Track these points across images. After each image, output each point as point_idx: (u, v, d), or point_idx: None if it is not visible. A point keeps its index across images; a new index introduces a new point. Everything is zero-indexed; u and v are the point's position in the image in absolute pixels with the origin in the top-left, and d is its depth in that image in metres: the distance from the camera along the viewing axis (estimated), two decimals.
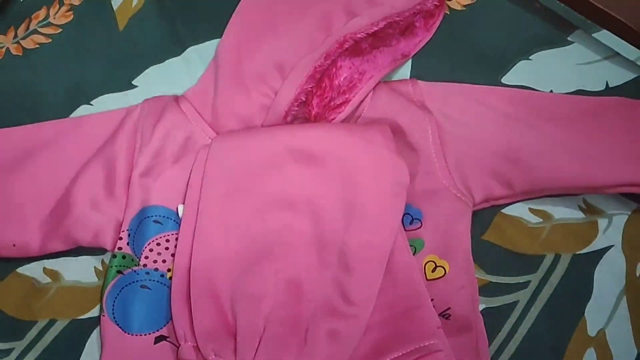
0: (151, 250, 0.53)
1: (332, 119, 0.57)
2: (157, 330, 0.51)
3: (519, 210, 0.56)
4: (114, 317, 0.51)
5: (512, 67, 0.61)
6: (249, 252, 0.50)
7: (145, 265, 0.52)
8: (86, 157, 0.56)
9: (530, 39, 0.62)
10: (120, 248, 0.53)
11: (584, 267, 0.53)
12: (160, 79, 0.62)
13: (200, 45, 0.63)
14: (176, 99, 0.58)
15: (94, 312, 0.53)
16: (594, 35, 0.61)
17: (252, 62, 0.55)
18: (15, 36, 0.65)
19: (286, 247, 0.50)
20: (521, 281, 0.53)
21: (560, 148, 0.54)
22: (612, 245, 0.54)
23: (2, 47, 0.65)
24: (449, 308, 0.50)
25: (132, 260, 0.53)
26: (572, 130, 0.55)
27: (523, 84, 0.60)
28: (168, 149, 0.55)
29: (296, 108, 0.55)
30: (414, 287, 0.49)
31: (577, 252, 0.54)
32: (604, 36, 0.61)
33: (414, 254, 0.52)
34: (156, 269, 0.52)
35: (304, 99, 0.55)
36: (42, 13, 0.66)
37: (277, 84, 0.55)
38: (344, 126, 0.56)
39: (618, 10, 0.59)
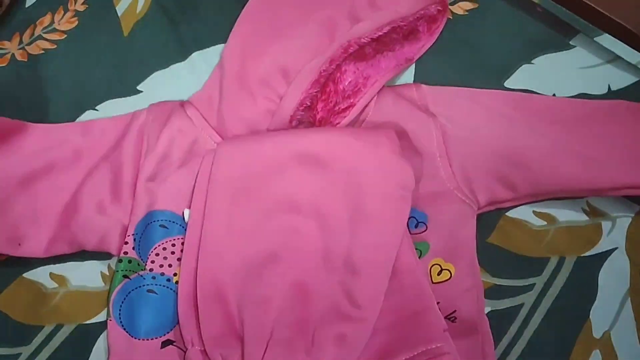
0: (157, 254, 0.53)
1: (337, 123, 0.57)
2: (164, 335, 0.51)
3: (523, 213, 0.56)
4: (121, 322, 0.51)
5: (515, 71, 0.61)
6: (255, 256, 0.50)
7: (151, 270, 0.53)
8: (93, 162, 0.56)
9: (532, 43, 0.63)
10: (126, 252, 0.53)
11: (588, 269, 0.53)
12: (165, 84, 0.63)
13: (204, 50, 0.64)
14: (182, 104, 0.58)
15: (100, 317, 0.53)
16: (595, 39, 0.61)
17: (257, 67, 0.56)
18: (21, 42, 0.66)
19: (292, 251, 0.50)
20: (526, 284, 0.53)
21: (564, 151, 0.54)
22: (616, 248, 0.54)
23: (7, 53, 0.65)
24: (455, 311, 0.51)
25: (138, 264, 0.53)
26: (575, 134, 0.55)
27: (526, 88, 0.60)
28: (174, 154, 0.55)
29: (301, 112, 0.55)
30: (420, 290, 0.50)
31: (582, 255, 0.54)
32: (606, 40, 0.61)
33: (419, 258, 0.52)
34: (162, 274, 0.53)
35: (309, 103, 0.55)
36: (47, 19, 0.67)
37: (282, 88, 0.55)
38: (349, 130, 0.57)
39: (619, 14, 0.59)
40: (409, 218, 0.52)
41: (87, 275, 0.55)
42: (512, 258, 0.54)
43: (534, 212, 0.56)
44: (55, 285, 0.55)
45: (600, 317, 0.52)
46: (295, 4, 0.57)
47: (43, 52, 0.65)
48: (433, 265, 0.52)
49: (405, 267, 0.50)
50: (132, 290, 0.52)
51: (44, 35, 0.66)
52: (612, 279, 0.53)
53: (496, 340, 0.50)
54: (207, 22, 0.65)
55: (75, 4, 0.67)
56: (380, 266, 0.50)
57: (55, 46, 0.65)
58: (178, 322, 0.50)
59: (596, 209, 0.56)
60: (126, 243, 0.53)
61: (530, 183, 0.54)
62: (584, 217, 0.56)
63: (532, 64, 0.62)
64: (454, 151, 0.55)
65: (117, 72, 0.64)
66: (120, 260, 0.53)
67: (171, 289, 0.52)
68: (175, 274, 0.52)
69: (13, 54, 0.65)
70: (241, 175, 0.53)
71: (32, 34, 0.66)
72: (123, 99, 0.62)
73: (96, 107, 0.62)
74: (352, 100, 0.58)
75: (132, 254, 0.53)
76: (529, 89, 0.60)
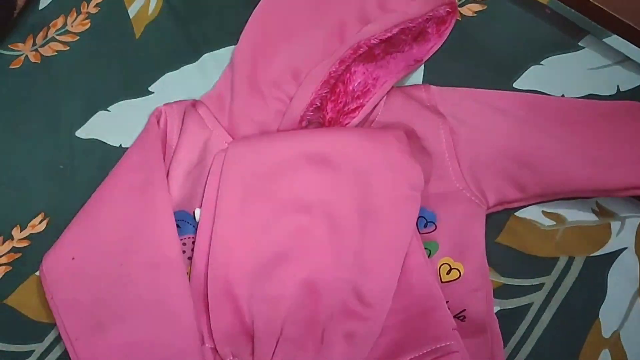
0: None
1: (346, 124, 0.58)
2: None
3: (532, 213, 0.56)
4: None
5: (524, 72, 0.62)
6: (265, 255, 0.51)
7: None
8: None
9: (541, 45, 0.63)
10: None
11: (597, 269, 0.54)
12: (176, 85, 0.63)
13: (215, 52, 0.65)
14: (193, 103, 0.59)
15: None
16: (604, 40, 0.62)
17: (268, 69, 0.56)
18: (34, 44, 0.67)
19: (302, 250, 0.51)
20: (535, 283, 0.53)
21: (573, 151, 0.54)
22: (625, 248, 0.54)
23: (21, 55, 0.66)
24: (464, 310, 0.51)
25: None
26: (584, 134, 0.55)
27: (535, 89, 0.61)
28: (186, 153, 0.56)
29: (311, 113, 0.56)
30: (429, 289, 0.50)
31: (591, 255, 0.54)
32: (615, 41, 0.61)
33: (428, 257, 0.52)
34: None
35: (318, 104, 0.55)
36: (60, 21, 0.68)
37: (292, 89, 0.55)
38: (359, 130, 0.57)
39: (628, 15, 0.59)
40: (418, 218, 0.53)
41: None
42: (521, 258, 0.54)
43: (543, 212, 0.56)
44: None
45: (609, 316, 0.52)
46: (305, 6, 0.57)
47: (56, 53, 0.66)
48: (442, 264, 0.53)
49: (414, 266, 0.50)
50: None
51: (57, 37, 0.67)
52: (622, 279, 0.53)
53: (505, 339, 0.50)
54: (217, 24, 0.66)
55: (87, 6, 0.68)
56: (390, 265, 0.50)
57: (68, 48, 0.66)
58: None
59: (605, 209, 0.56)
60: None
61: (540, 183, 0.54)
62: (593, 217, 0.56)
63: (541, 65, 0.62)
64: (463, 151, 0.56)
65: (129, 74, 0.64)
66: None
67: None
68: (186, 273, 0.53)
69: (27, 56, 0.66)
70: (252, 175, 0.53)
71: (46, 36, 0.67)
72: (134, 100, 0.63)
73: (108, 108, 0.63)
74: (361, 101, 0.58)
75: None
76: (538, 90, 0.61)
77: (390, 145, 0.54)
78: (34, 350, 0.53)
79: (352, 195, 0.52)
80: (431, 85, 0.59)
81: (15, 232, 0.57)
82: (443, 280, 0.52)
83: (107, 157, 0.59)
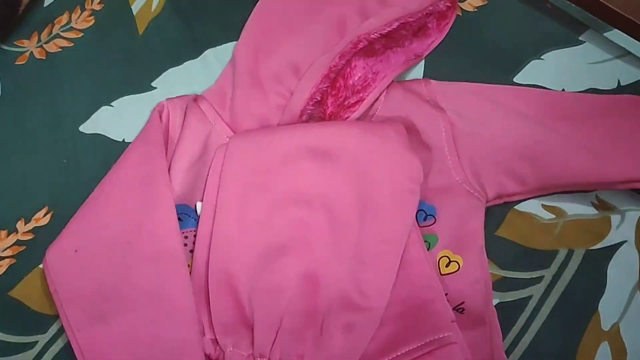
0: None
1: (347, 118, 0.58)
2: None
3: (532, 207, 0.56)
4: None
5: (524, 66, 0.62)
6: (266, 247, 0.51)
7: None
8: None
9: (541, 39, 0.63)
10: None
11: (597, 262, 0.54)
12: (179, 81, 0.64)
13: (217, 47, 0.65)
14: (195, 98, 0.59)
15: None
16: (605, 34, 0.62)
17: (268, 64, 0.56)
18: (39, 40, 0.67)
19: (302, 242, 0.51)
20: (535, 276, 0.53)
21: (573, 145, 0.54)
22: (625, 241, 0.54)
23: (26, 51, 0.67)
24: (463, 302, 0.51)
25: None
26: (584, 128, 0.55)
27: (535, 84, 0.61)
28: (188, 147, 0.56)
29: (311, 107, 0.56)
30: (428, 281, 0.50)
31: (590, 248, 0.54)
32: (615, 35, 0.61)
33: (428, 250, 0.53)
34: None
35: (319, 98, 0.56)
36: (64, 18, 0.68)
37: (292, 84, 0.56)
38: (359, 124, 0.57)
39: (629, 9, 0.59)
40: (418, 211, 0.53)
41: None
42: (520, 251, 0.55)
43: (542, 205, 0.56)
44: None
45: (608, 309, 0.52)
46: (305, 1, 0.57)
47: (60, 50, 0.67)
48: (441, 257, 0.53)
49: (413, 258, 0.51)
50: None
51: (62, 34, 0.68)
52: (621, 272, 0.53)
53: (504, 331, 0.51)
54: (219, 20, 0.67)
55: (91, 3, 0.69)
56: (389, 258, 0.50)
57: (72, 44, 0.67)
58: None
59: (605, 202, 0.56)
60: None
61: (539, 177, 0.54)
62: (593, 211, 0.56)
63: (542, 59, 0.62)
64: (462, 145, 0.56)
65: (132, 69, 0.65)
66: None
67: None
68: (188, 266, 0.53)
69: (32, 52, 0.67)
70: (252, 169, 0.54)
71: (50, 33, 0.68)
72: (138, 95, 0.64)
73: (111, 103, 0.63)
74: (361, 95, 0.59)
75: None
76: (539, 84, 0.61)
77: (390, 138, 0.54)
78: (37, 341, 0.53)
79: (352, 188, 0.52)
80: (431, 80, 0.59)
81: (20, 226, 0.58)
82: (442, 272, 0.52)
83: (110, 151, 0.59)
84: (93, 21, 0.68)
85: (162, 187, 0.54)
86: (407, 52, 0.61)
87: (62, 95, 0.64)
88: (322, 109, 0.58)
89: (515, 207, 0.56)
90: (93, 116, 0.63)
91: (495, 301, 0.52)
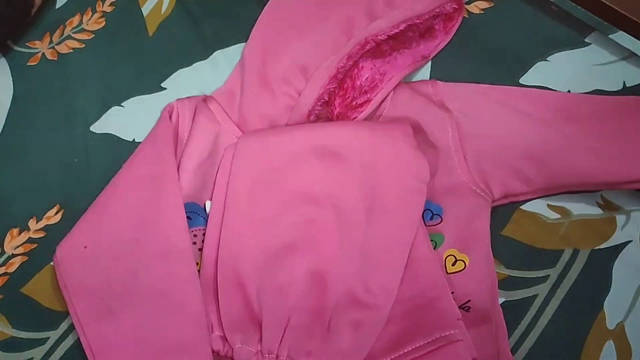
0: None
1: (354, 118, 0.59)
2: None
3: (537, 207, 0.56)
4: None
5: (530, 68, 0.62)
6: (274, 246, 0.52)
7: None
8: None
9: (547, 41, 0.63)
10: None
11: (602, 261, 0.54)
12: (189, 82, 0.64)
13: (226, 49, 0.66)
14: (204, 98, 0.60)
15: None
16: (610, 36, 0.62)
17: (277, 65, 0.57)
18: (51, 42, 0.68)
19: (310, 241, 0.52)
20: (540, 275, 0.54)
21: (578, 146, 0.54)
22: (630, 241, 0.55)
23: (38, 53, 0.68)
24: (469, 300, 0.51)
25: None
26: (591, 129, 0.55)
27: (541, 85, 0.61)
28: (197, 147, 0.57)
29: (319, 108, 0.57)
30: (435, 279, 0.51)
31: (596, 247, 0.55)
32: (621, 37, 0.61)
33: (434, 249, 0.53)
34: None
35: (326, 98, 0.57)
36: (75, 20, 0.69)
37: (300, 85, 0.56)
38: (366, 124, 0.58)
39: (634, 11, 0.59)
40: (424, 210, 0.54)
41: None
42: (526, 250, 0.55)
43: (548, 205, 0.57)
44: None
45: (614, 308, 0.52)
46: (313, 3, 0.58)
47: (72, 51, 0.67)
48: (448, 256, 0.53)
49: (420, 257, 0.51)
50: None
51: (73, 35, 0.68)
52: (626, 272, 0.53)
53: (510, 330, 0.51)
54: (228, 22, 0.67)
55: (102, 5, 0.70)
56: (396, 256, 0.51)
57: (83, 45, 0.68)
58: None
59: (610, 202, 0.56)
60: None
61: (545, 177, 0.55)
62: (598, 211, 0.56)
63: (548, 61, 0.63)
64: (469, 145, 0.56)
65: (142, 70, 0.66)
66: None
67: None
68: (197, 264, 0.54)
69: (44, 53, 0.68)
70: (260, 168, 0.54)
71: (62, 34, 0.69)
72: (148, 95, 0.64)
73: (122, 104, 0.64)
74: (368, 96, 0.59)
75: None
76: (544, 85, 0.61)
77: (397, 138, 0.55)
78: (49, 337, 0.54)
79: (359, 187, 0.53)
80: (438, 81, 0.60)
81: (32, 224, 0.59)
82: (448, 271, 0.53)
83: (120, 151, 0.60)
84: (104, 23, 0.69)
85: (171, 185, 0.55)
86: (414, 53, 0.61)
87: (73, 96, 0.65)
88: (330, 109, 0.58)
89: (521, 207, 0.57)
90: (104, 116, 0.64)
91: (501, 300, 0.53)
